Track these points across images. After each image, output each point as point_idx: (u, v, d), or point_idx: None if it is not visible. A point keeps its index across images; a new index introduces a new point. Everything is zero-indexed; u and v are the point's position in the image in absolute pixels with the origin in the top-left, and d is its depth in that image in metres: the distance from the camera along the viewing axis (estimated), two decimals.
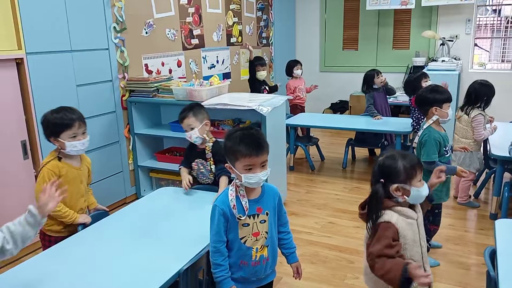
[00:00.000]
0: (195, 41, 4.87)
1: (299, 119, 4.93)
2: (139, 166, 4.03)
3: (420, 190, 1.69)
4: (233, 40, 5.64)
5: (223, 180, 2.53)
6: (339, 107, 7.10)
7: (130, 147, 4.01)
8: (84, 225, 2.22)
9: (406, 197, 1.69)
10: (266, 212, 1.77)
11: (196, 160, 2.71)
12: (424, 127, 2.72)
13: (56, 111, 2.20)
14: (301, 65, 5.35)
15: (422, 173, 1.72)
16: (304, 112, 5.38)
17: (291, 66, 5.30)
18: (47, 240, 2.25)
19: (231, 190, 1.74)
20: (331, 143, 5.91)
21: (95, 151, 3.65)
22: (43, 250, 2.18)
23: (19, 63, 2.97)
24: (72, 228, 2.24)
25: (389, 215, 1.67)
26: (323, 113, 6.93)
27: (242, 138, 1.67)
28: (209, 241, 1.75)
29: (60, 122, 2.17)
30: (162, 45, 4.36)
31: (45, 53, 3.14)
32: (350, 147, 5.02)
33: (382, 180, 1.68)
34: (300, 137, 5.26)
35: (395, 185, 1.67)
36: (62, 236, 2.18)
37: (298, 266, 1.93)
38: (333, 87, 7.19)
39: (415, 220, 1.72)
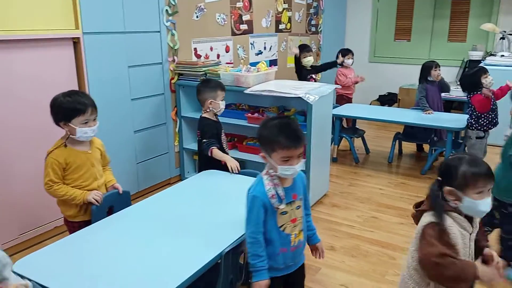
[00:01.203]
0: (244, 27, 4.85)
1: (345, 110, 4.82)
2: (184, 148, 4.11)
3: (476, 203, 1.51)
4: (281, 26, 5.58)
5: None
6: (387, 100, 6.88)
7: (177, 129, 4.08)
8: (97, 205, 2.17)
9: (459, 203, 1.54)
10: (300, 198, 1.79)
11: (222, 131, 2.95)
12: None
13: (68, 95, 2.10)
14: (353, 54, 5.22)
15: (490, 185, 1.53)
16: (350, 103, 5.26)
17: (343, 54, 5.18)
18: (71, 226, 2.23)
19: (266, 179, 1.70)
20: (378, 136, 5.75)
21: (144, 131, 3.75)
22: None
23: (75, 42, 3.07)
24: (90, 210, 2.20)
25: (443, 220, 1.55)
26: (370, 104, 6.75)
27: (281, 129, 1.63)
28: (246, 232, 1.73)
29: (72, 107, 2.06)
30: (211, 29, 4.38)
31: (101, 33, 3.23)
32: (397, 141, 4.86)
33: (439, 178, 1.58)
34: (345, 128, 5.15)
35: (448, 188, 1.55)
36: (86, 220, 2.18)
37: (321, 244, 1.97)
38: (382, 79, 6.97)
39: (468, 234, 1.58)
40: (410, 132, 4.68)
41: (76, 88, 3.12)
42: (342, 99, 5.26)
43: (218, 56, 4.51)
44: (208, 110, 2.94)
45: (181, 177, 4.13)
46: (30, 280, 1.59)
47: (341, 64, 5.17)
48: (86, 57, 3.13)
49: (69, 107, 2.07)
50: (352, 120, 5.15)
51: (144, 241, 1.88)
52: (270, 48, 5.44)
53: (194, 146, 4.11)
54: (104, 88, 3.31)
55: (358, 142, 5.16)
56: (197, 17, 4.15)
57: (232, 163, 2.65)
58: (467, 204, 1.52)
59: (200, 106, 4.17)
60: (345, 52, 5.20)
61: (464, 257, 1.55)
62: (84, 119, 2.10)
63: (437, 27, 6.61)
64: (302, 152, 1.68)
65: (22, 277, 1.62)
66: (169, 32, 3.85)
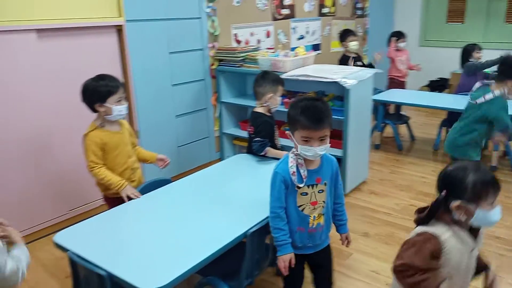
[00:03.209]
0: (285, 11, 4.81)
1: (388, 95, 4.67)
2: (223, 133, 4.19)
3: (489, 213, 1.38)
4: (325, 10, 5.47)
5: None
6: (438, 85, 6.59)
7: (217, 114, 4.16)
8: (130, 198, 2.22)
9: (467, 218, 1.39)
10: (325, 183, 1.78)
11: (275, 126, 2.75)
12: None
13: (100, 78, 2.24)
14: (405, 37, 5.03)
15: (498, 194, 1.40)
16: (402, 87, 5.09)
17: (393, 37, 5.03)
18: (111, 202, 2.34)
19: (291, 157, 1.75)
20: (424, 123, 5.54)
21: (185, 116, 3.86)
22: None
23: (119, 29, 3.21)
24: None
25: (441, 230, 1.42)
26: (418, 90, 6.49)
27: (304, 109, 1.65)
28: (269, 206, 1.78)
29: (106, 89, 2.20)
30: (252, 15, 4.39)
31: (143, 20, 3.35)
32: (445, 129, 4.66)
33: (444, 191, 1.42)
34: (389, 114, 5.00)
35: (458, 202, 1.38)
36: (110, 198, 2.32)
37: (347, 236, 1.97)
38: (433, 63, 6.65)
39: (469, 249, 1.45)
40: (455, 119, 4.45)
41: (121, 75, 3.27)
42: (393, 82, 5.10)
43: (259, 41, 4.52)
44: (264, 104, 2.69)
45: (221, 161, 4.22)
46: (67, 250, 1.72)
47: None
48: (129, 44, 3.26)
49: (103, 89, 2.21)
50: (397, 106, 4.99)
51: (177, 216, 1.99)
52: (313, 33, 5.36)
53: (233, 131, 4.19)
54: (146, 74, 3.44)
55: (403, 129, 5.00)
56: (237, 2, 4.17)
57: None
58: (479, 216, 1.38)
59: (240, 92, 4.27)
60: (397, 35, 5.03)
61: (456, 273, 1.44)
62: (118, 98, 2.24)
63: (493, 8, 6.19)
64: (326, 135, 1.67)
65: (62, 248, 1.76)
66: (210, 18, 3.91)
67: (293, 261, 1.77)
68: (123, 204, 2.15)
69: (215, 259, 1.69)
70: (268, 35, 4.65)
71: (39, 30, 2.76)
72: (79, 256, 1.67)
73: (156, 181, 2.36)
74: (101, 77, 2.25)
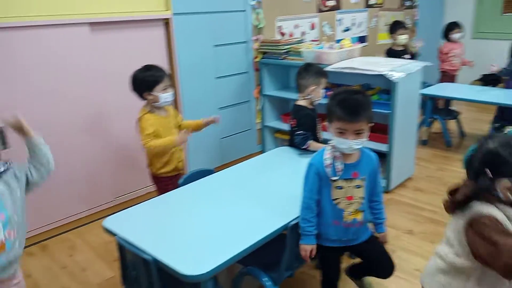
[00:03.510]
0: (331, 3, 4.73)
1: (438, 89, 4.49)
2: (265, 126, 4.20)
3: None
4: (372, 1, 5.33)
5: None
6: (491, 79, 6.24)
7: (259, 107, 4.17)
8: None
9: None
10: (363, 178, 1.75)
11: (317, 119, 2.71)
12: None
13: (147, 69, 2.42)
14: (460, 28, 4.82)
15: None
16: (453, 81, 4.89)
17: (448, 28, 4.85)
18: (160, 182, 2.54)
19: (328, 150, 1.73)
20: (475, 119, 5.28)
21: (228, 108, 3.90)
22: (159, 192, 2.48)
23: (166, 23, 3.28)
24: (178, 167, 2.56)
25: (493, 211, 1.31)
26: (470, 84, 6.19)
27: (341, 101, 1.65)
28: (301, 197, 1.79)
29: (153, 79, 2.38)
30: (297, 7, 4.35)
31: (189, 14, 3.40)
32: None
33: (487, 170, 1.31)
34: (438, 109, 4.81)
35: (507, 181, 1.29)
36: (171, 176, 2.52)
37: (384, 236, 1.94)
38: (486, 57, 6.29)
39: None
40: (507, 115, 4.22)
41: (167, 67, 3.34)
42: (444, 75, 4.91)
43: (303, 33, 4.48)
44: (306, 97, 2.66)
45: (262, 154, 4.23)
46: (115, 235, 1.80)
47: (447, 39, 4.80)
48: (175, 37, 3.33)
49: (150, 78, 2.39)
50: (446, 101, 4.79)
51: (219, 205, 2.03)
52: (360, 25, 5.24)
53: (275, 124, 4.19)
54: (191, 67, 3.50)
55: (452, 124, 4.80)
56: None
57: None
58: None
59: (282, 85, 4.25)
60: (452, 26, 4.83)
61: None
62: (164, 86, 2.41)
63: None
64: (363, 129, 1.65)
65: (110, 232, 1.84)
66: (254, 11, 3.92)
67: (314, 252, 1.80)
68: (168, 193, 2.21)
69: (255, 250, 1.71)
70: (312, 27, 4.59)
71: (92, 24, 2.87)
72: (126, 241, 1.74)
73: (200, 171, 2.41)
74: (147, 68, 2.43)
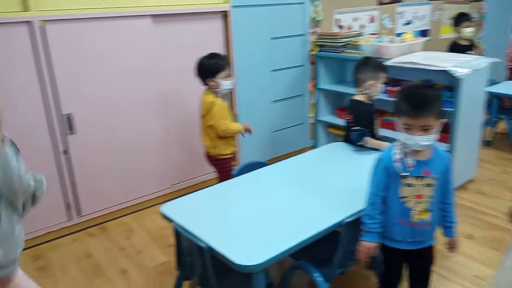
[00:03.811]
0: None
1: (505, 87, 4.22)
2: (319, 120, 4.14)
3: None
4: None
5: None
6: None
7: (313, 101, 4.13)
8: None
9: None
10: (434, 177, 1.66)
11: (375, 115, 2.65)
12: None
13: (212, 57, 2.59)
14: None
15: None
16: None
17: None
18: (225, 162, 2.73)
19: (397, 145, 1.68)
20: None
21: (282, 101, 3.90)
22: (220, 173, 2.74)
23: (224, 15, 3.32)
24: (234, 150, 2.78)
25: None
26: None
27: (408, 96, 1.61)
28: (368, 192, 1.74)
29: (216, 66, 2.56)
30: (356, 0, 4.24)
31: (247, 6, 3.42)
32: None
33: None
34: (505, 108, 4.51)
35: None
36: (232, 157, 2.75)
37: (453, 240, 1.81)
38: None
39: None
40: None
41: None
42: None
43: (362, 26, 4.36)
44: (364, 91, 2.58)
45: (315, 148, 4.20)
46: (172, 221, 1.86)
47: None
48: (233, 29, 3.35)
49: (213, 66, 2.56)
50: None
51: (272, 198, 2.04)
52: (422, 18, 5.01)
53: (329, 118, 4.12)
54: (247, 59, 3.52)
55: None
56: None
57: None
58: None
59: (338, 79, 4.17)
60: None
61: None
62: (226, 74, 2.59)
63: None
64: (430, 125, 1.57)
65: (168, 218, 1.90)
66: (312, 3, 3.86)
67: (374, 251, 1.74)
68: (223, 182, 2.29)
69: (307, 245, 1.70)
70: (372, 20, 4.46)
71: (154, 16, 2.96)
72: (183, 228, 1.79)
73: (253, 163, 2.44)
74: (212, 56, 2.61)
